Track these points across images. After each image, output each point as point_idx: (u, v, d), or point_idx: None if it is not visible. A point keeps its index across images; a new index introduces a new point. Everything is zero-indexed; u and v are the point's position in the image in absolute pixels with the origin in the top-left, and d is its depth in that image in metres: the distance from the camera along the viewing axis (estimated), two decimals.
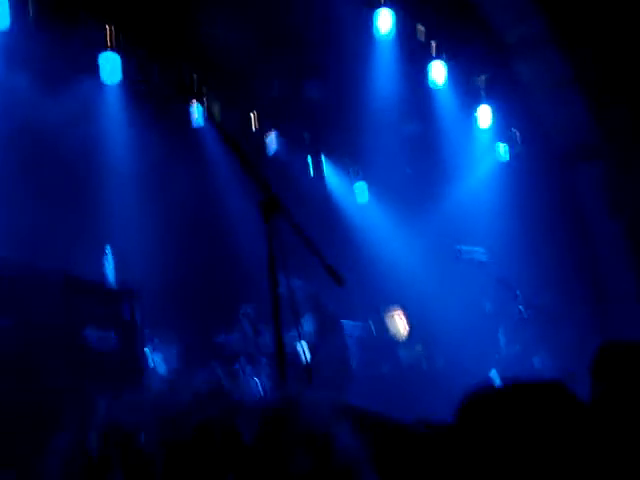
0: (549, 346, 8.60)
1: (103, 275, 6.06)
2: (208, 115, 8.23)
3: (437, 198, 10.34)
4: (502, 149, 10.72)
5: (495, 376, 8.06)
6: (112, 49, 7.81)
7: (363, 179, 11.04)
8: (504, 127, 10.51)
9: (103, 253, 6.10)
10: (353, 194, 11.01)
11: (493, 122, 10.21)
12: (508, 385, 2.19)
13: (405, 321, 9.41)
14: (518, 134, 10.64)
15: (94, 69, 7.83)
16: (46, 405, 5.09)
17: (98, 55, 7.82)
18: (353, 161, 10.85)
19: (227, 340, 7.88)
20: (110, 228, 7.32)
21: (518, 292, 8.51)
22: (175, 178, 8.60)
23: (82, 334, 5.59)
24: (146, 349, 6.91)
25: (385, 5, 8.46)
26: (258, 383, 7.50)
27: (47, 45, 7.39)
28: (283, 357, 3.88)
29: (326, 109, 9.43)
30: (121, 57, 7.89)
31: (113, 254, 6.14)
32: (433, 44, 9.08)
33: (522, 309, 8.50)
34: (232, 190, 8.56)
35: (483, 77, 9.78)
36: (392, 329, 9.35)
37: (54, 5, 7.48)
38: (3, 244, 5.66)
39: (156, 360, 7.39)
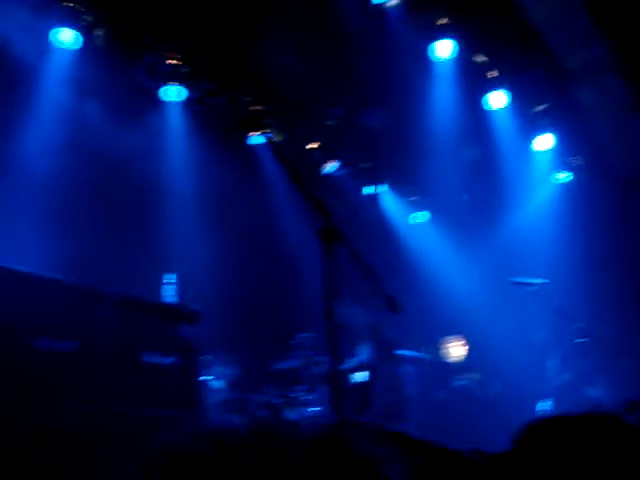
0: (607, 376, 8.44)
1: (165, 298, 6.17)
2: (270, 144, 8.35)
3: (495, 224, 10.27)
4: (562, 175, 10.60)
5: (548, 406, 7.94)
6: (176, 79, 8.02)
7: (421, 205, 11.03)
8: (564, 153, 10.40)
9: (166, 277, 6.22)
10: (411, 220, 11.01)
11: (553, 148, 10.12)
12: (565, 416, 2.18)
13: (462, 348, 9.35)
14: (578, 160, 10.52)
15: (159, 98, 8.06)
16: (108, 429, 5.20)
17: (163, 84, 8.03)
18: (412, 187, 10.85)
19: (285, 366, 7.92)
20: (173, 252, 7.46)
21: (575, 321, 8.38)
22: (236, 204, 8.74)
23: (142, 357, 5.70)
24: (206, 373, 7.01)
25: (445, 33, 8.48)
26: (315, 411, 7.51)
27: (114, 73, 7.65)
28: (340, 385, 3.89)
29: (385, 136, 9.48)
30: (185, 86, 8.10)
31: (175, 278, 6.26)
32: (493, 72, 9.05)
33: (578, 339, 8.36)
34: (292, 216, 8.64)
35: (544, 105, 9.70)
36: (449, 356, 9.30)
37: (121, 35, 7.71)
38: (68, 268, 5.80)
39: (214, 384, 7.48)
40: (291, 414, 7.46)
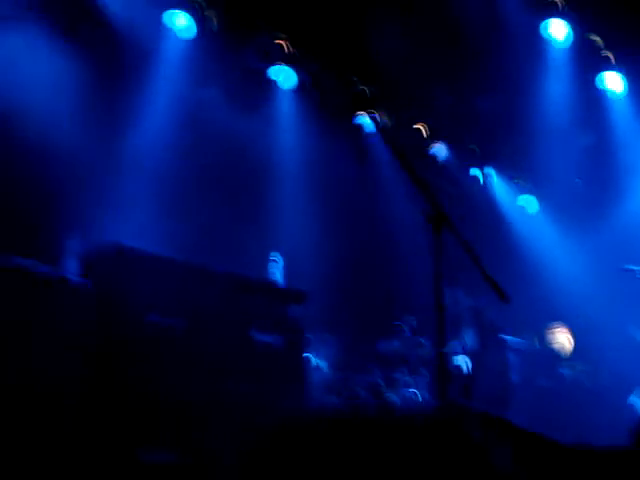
0: None
1: (270, 275, 6.30)
2: (378, 126, 8.34)
3: (609, 212, 9.95)
4: None
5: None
6: (287, 61, 8.13)
7: (532, 191, 10.79)
8: None
9: (271, 255, 6.35)
10: (521, 206, 10.79)
11: None
12: None
13: (569, 337, 9.16)
14: None
15: (270, 81, 8.20)
16: (216, 404, 5.37)
17: (274, 67, 8.16)
18: (522, 172, 10.63)
19: (388, 348, 7.96)
20: (281, 232, 7.59)
21: None
22: (344, 186, 8.79)
23: (249, 334, 5.85)
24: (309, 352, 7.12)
25: (560, 13, 8.24)
26: (417, 393, 7.53)
27: (226, 57, 7.82)
28: (444, 369, 3.89)
29: (496, 119, 9.32)
30: (295, 68, 8.21)
31: (279, 256, 6.38)
32: (608, 53, 8.74)
33: None
34: (400, 198, 8.61)
35: None
36: (556, 345, 9.12)
37: (233, 19, 7.86)
38: (178, 247, 5.98)
39: (318, 363, 7.58)
40: (392, 396, 7.50)
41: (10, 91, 6.03)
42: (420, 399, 7.45)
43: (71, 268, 5.15)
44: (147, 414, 5.09)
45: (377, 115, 8.62)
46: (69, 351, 4.90)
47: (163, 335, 5.33)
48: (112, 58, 7.00)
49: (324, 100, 8.54)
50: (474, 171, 10.30)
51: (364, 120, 8.82)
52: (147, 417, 5.09)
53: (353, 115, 8.86)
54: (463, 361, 6.95)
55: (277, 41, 8.07)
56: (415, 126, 9.34)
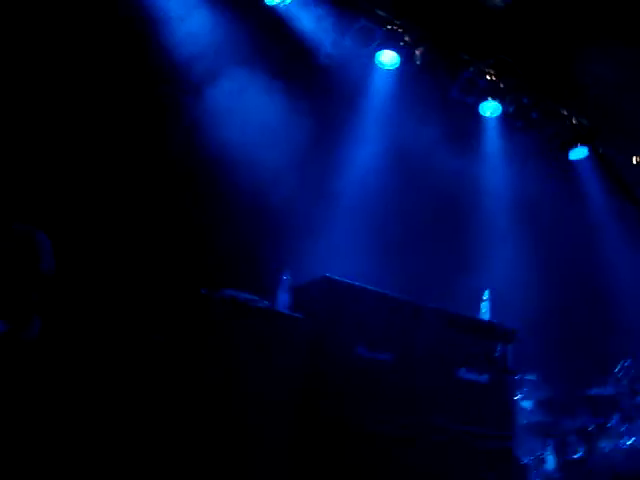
0: None
1: (482, 315, 6.16)
2: (600, 160, 8.00)
3: None
4: None
5: None
6: (493, 94, 8.01)
7: None
8: None
9: (485, 295, 6.21)
10: None
11: None
12: None
13: None
14: None
15: (477, 114, 8.13)
16: (423, 440, 5.31)
17: (481, 100, 8.08)
18: None
19: (601, 394, 7.52)
20: (490, 271, 7.43)
21: None
22: (556, 220, 8.48)
23: (457, 372, 5.73)
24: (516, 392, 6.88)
25: None
26: (634, 442, 7.04)
27: (432, 91, 7.84)
28: None
29: None
30: (501, 101, 8.07)
31: (488, 294, 6.23)
32: None
33: None
34: (614, 235, 8.19)
35: None
36: None
37: (439, 53, 7.87)
38: (389, 284, 5.98)
39: (525, 405, 7.33)
40: (605, 444, 7.08)
41: (232, 134, 6.38)
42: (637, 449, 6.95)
43: (284, 301, 5.31)
44: (353, 447, 5.12)
45: (597, 147, 8.26)
46: (280, 380, 5.04)
47: (371, 369, 5.35)
48: (324, 98, 7.21)
49: (534, 133, 8.31)
50: None
51: (580, 154, 8.46)
52: (353, 450, 5.12)
53: (568, 148, 8.54)
54: None
55: (485, 75, 7.96)
56: (635, 159, 8.85)
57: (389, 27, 7.62)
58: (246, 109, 6.68)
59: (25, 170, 5.83)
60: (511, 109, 8.22)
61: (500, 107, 8.17)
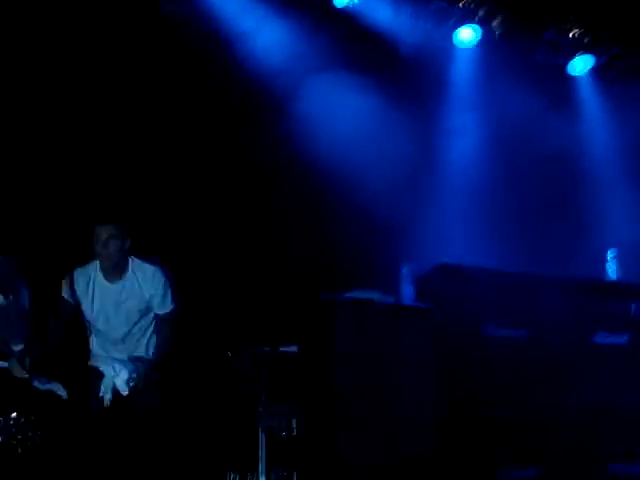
0: None
1: (610, 275, 6.03)
2: None
3: None
4: None
5: None
6: (581, 49, 7.81)
7: None
8: None
9: (609, 253, 6.07)
10: None
11: None
12: None
13: None
14: None
15: (565, 73, 7.94)
16: (565, 422, 5.21)
17: (568, 58, 7.90)
18: None
19: None
20: (607, 226, 7.25)
21: None
22: None
23: (593, 338, 5.61)
24: None
25: None
26: None
27: (516, 58, 7.70)
28: None
29: None
30: (591, 55, 7.86)
31: (615, 252, 6.08)
32: None
33: None
34: None
35: None
36: None
37: (518, 19, 7.73)
38: (504, 261, 5.91)
39: None
40: None
41: (329, 139, 6.49)
42: None
43: (408, 294, 5.36)
44: (496, 431, 5.09)
45: None
46: (418, 373, 5.08)
47: (503, 347, 5.30)
48: (411, 89, 7.23)
49: (630, 81, 8.02)
50: None
51: None
52: (497, 434, 5.09)
53: None
54: None
55: (569, 32, 7.77)
56: None
57: (463, 4, 7.55)
58: (337, 113, 6.75)
59: (130, 189, 6.13)
60: (601, 62, 7.98)
61: (590, 61, 7.92)
